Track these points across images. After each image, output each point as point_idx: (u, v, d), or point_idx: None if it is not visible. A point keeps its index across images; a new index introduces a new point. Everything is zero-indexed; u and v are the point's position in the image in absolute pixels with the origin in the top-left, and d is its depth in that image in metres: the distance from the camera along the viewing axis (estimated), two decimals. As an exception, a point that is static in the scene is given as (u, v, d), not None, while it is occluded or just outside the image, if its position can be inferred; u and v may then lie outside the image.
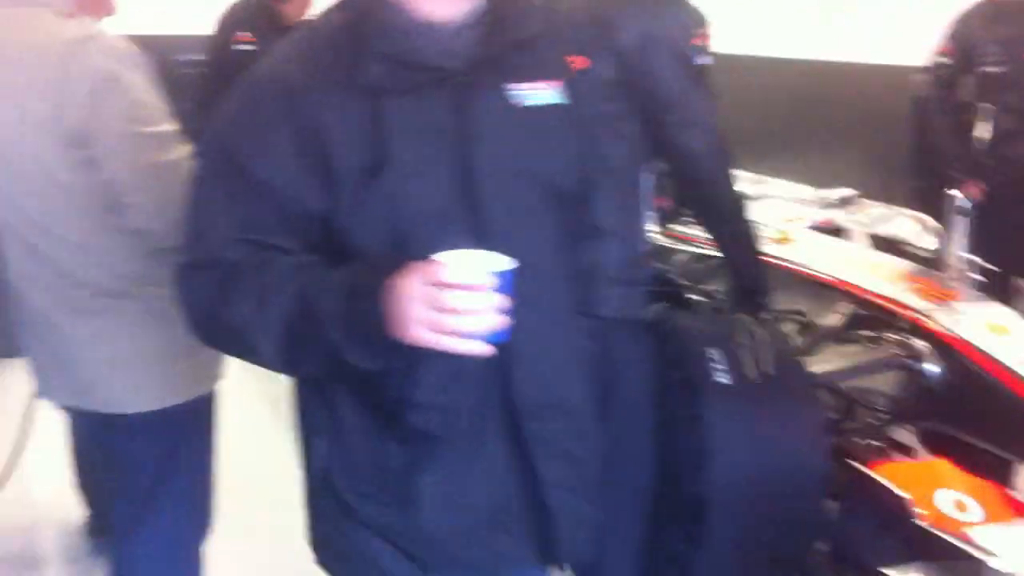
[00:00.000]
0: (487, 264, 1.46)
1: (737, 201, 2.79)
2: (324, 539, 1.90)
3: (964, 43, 5.00)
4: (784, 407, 2.81)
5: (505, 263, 1.46)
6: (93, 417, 2.51)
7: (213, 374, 2.58)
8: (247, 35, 5.45)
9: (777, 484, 2.83)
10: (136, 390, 2.45)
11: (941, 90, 5.14)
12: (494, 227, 1.67)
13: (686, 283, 3.12)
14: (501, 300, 1.45)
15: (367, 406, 1.74)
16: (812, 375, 3.08)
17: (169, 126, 2.35)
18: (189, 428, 2.55)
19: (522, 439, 1.76)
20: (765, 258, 3.62)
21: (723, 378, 2.75)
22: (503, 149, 1.71)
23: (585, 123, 1.88)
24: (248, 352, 1.67)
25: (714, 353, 2.78)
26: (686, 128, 2.65)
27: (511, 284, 1.47)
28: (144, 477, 2.53)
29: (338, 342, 1.55)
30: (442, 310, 1.43)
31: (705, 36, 2.74)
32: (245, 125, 1.70)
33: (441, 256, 1.46)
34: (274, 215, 1.65)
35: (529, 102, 1.75)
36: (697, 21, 2.77)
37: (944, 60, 5.07)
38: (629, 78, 2.60)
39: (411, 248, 1.56)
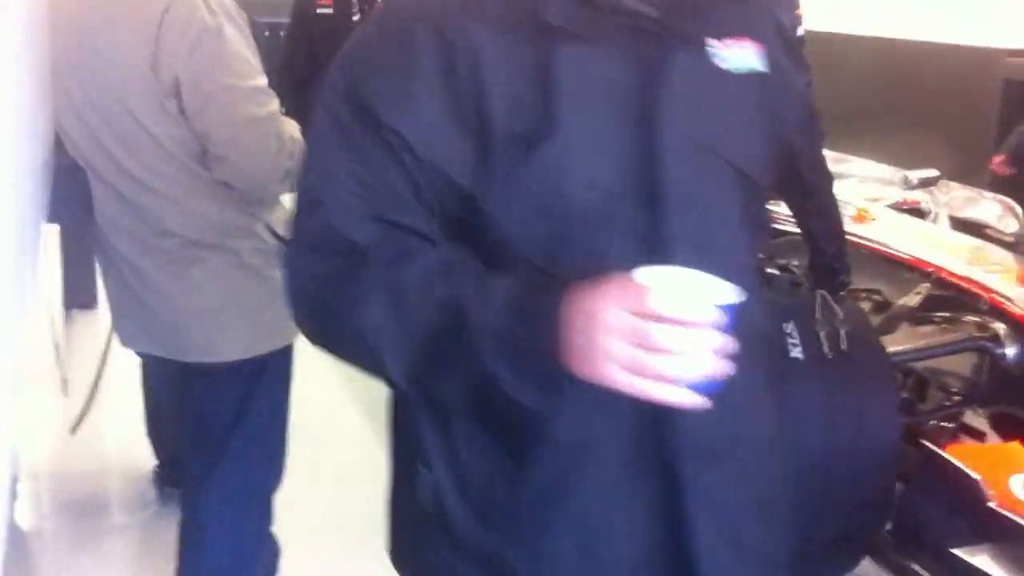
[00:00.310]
0: (707, 292, 1.15)
1: (825, 176, 2.76)
2: (424, 566, 1.57)
3: None
4: (858, 385, 2.79)
5: (730, 292, 1.16)
6: (174, 365, 2.57)
7: (293, 328, 2.61)
8: None
9: (849, 462, 2.82)
10: (222, 340, 2.49)
11: None
12: (675, 221, 1.35)
13: (762, 256, 3.10)
14: (723, 340, 1.15)
15: (493, 438, 1.42)
16: (888, 354, 3.05)
17: (262, 80, 2.38)
18: (267, 378, 2.59)
19: (677, 486, 1.41)
20: (847, 236, 3.60)
21: (798, 353, 2.74)
22: (693, 121, 1.38)
23: (779, 100, 1.62)
24: (368, 362, 1.37)
25: (790, 327, 2.77)
26: (778, 97, 2.63)
27: (734, 320, 1.16)
28: (221, 425, 2.58)
29: (495, 369, 1.23)
30: (649, 348, 1.12)
31: (799, 7, 2.71)
32: (384, 68, 1.34)
33: (644, 274, 1.14)
34: (413, 187, 1.32)
35: (727, 65, 1.42)
36: None
37: None
38: None
39: (570, 245, 1.31)
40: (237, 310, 2.48)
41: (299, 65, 5.62)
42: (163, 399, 2.70)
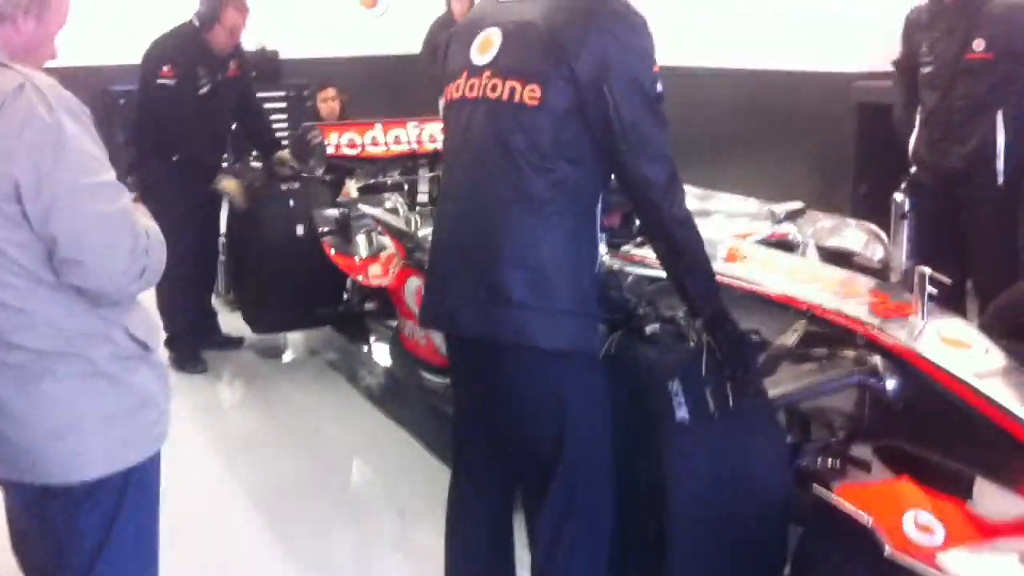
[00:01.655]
0: None
1: (687, 230, 2.73)
2: None
3: (908, 43, 5.06)
4: (744, 438, 2.79)
5: None
6: (30, 488, 2.39)
7: (158, 434, 2.47)
8: (168, 69, 5.46)
9: (739, 514, 2.81)
10: (78, 457, 2.31)
11: (897, 89, 5.20)
12: None
13: (644, 310, 3.07)
14: None
15: None
16: (772, 399, 3.06)
17: (110, 175, 2.26)
18: (132, 493, 2.44)
19: None
20: (719, 281, 3.60)
21: (683, 413, 2.73)
22: None
23: None
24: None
25: (675, 386, 2.75)
26: (638, 156, 2.61)
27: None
28: (85, 550, 2.39)
29: None
30: None
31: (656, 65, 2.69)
32: None
33: None
34: None
35: None
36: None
37: (899, 58, 5.14)
38: (586, 102, 2.58)
39: None
40: (93, 423, 2.32)
41: (143, 137, 5.55)
42: (23, 525, 2.51)
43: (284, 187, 5.96)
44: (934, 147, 5.03)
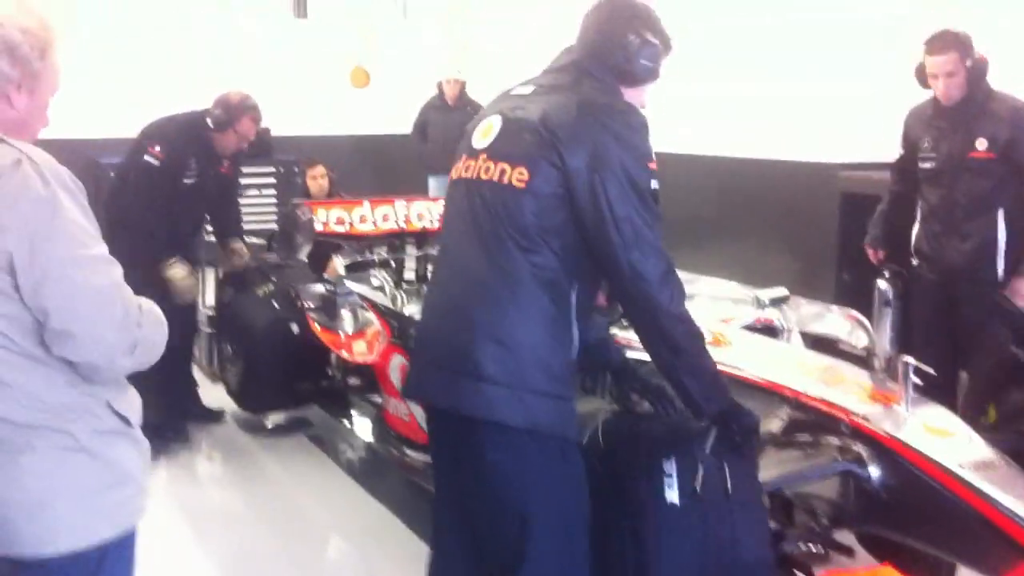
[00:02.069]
0: None
1: (685, 327, 2.74)
2: None
3: (907, 140, 5.14)
4: (733, 523, 2.78)
5: None
6: (3, 561, 2.32)
7: (134, 510, 2.43)
8: (159, 150, 5.47)
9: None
10: (52, 531, 2.27)
11: (895, 183, 5.26)
12: None
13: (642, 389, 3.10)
14: None
15: None
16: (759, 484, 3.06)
17: (103, 249, 2.26)
18: (107, 570, 2.38)
19: None
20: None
21: (673, 496, 2.72)
22: None
23: None
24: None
25: (670, 466, 2.75)
26: (631, 250, 2.63)
27: None
28: None
29: None
30: None
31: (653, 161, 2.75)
32: None
33: None
34: None
35: None
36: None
37: (900, 152, 5.21)
38: (575, 189, 2.62)
39: None
40: (69, 497, 2.28)
41: (118, 205, 5.53)
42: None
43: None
44: (936, 241, 5.09)
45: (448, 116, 9.94)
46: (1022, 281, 4.87)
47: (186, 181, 5.65)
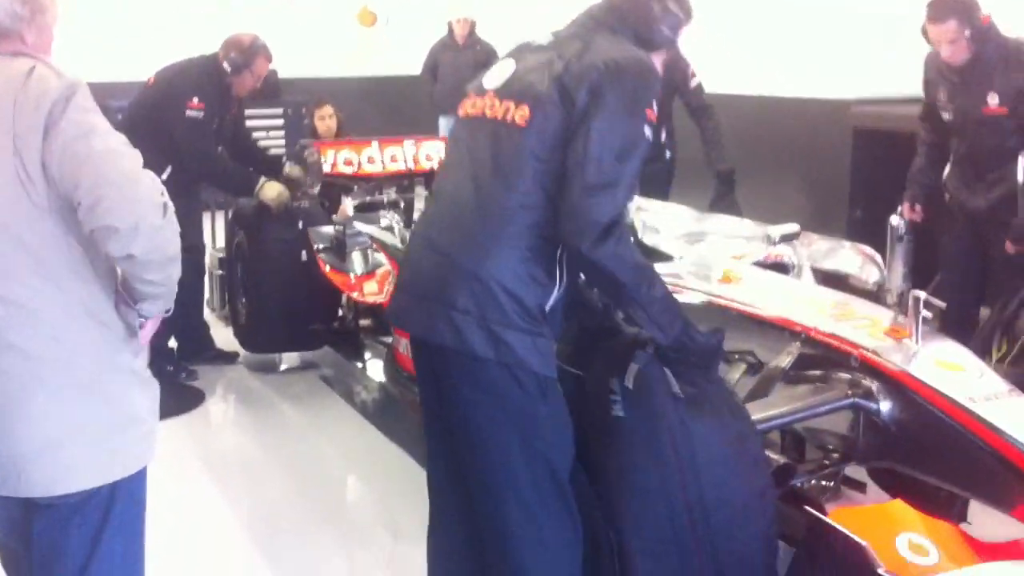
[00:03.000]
0: None
1: (617, 261, 2.62)
2: None
3: (928, 86, 5.07)
4: (688, 434, 2.70)
5: None
6: (14, 502, 2.38)
7: (144, 451, 2.46)
8: (198, 102, 5.50)
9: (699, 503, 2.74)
10: (65, 470, 2.31)
11: (927, 133, 5.19)
12: None
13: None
14: None
15: None
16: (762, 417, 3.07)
17: (121, 137, 2.34)
18: (120, 508, 2.42)
19: None
20: (715, 303, 3.62)
21: (619, 410, 2.73)
22: None
23: None
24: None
25: (615, 384, 2.74)
26: (587, 190, 2.59)
27: None
28: (72, 565, 2.39)
29: None
30: None
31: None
32: None
33: None
34: None
35: None
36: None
37: (925, 98, 5.14)
38: (570, 130, 2.61)
39: None
40: (82, 437, 2.31)
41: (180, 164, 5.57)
42: (8, 542, 2.48)
43: (296, 204, 5.96)
44: (964, 185, 5.06)
45: (458, 56, 9.87)
46: None
47: (213, 127, 5.69)
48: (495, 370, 2.61)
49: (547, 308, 2.67)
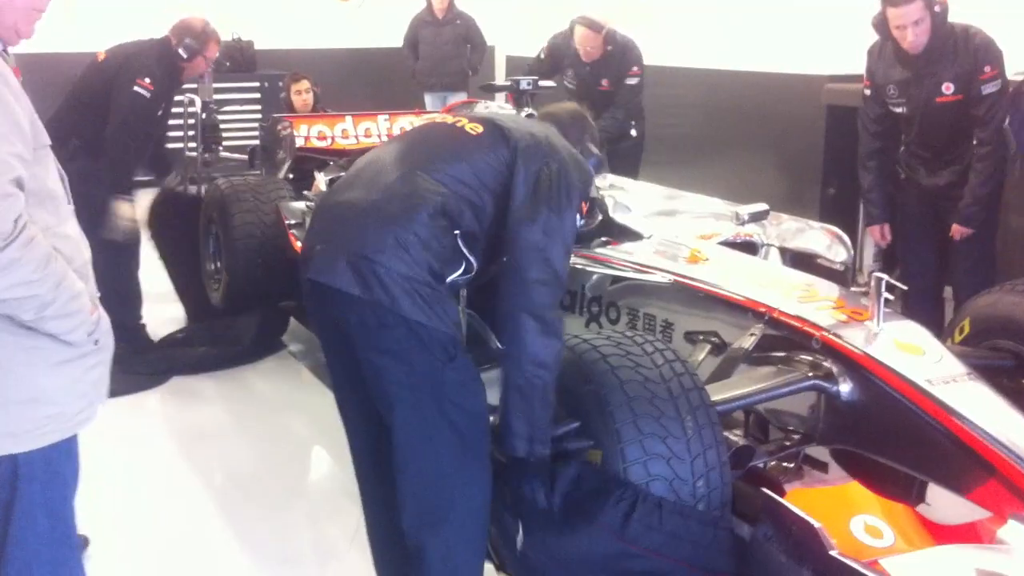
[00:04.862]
0: None
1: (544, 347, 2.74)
2: None
3: (874, 80, 5.06)
4: None
5: None
6: None
7: (51, 431, 2.39)
8: (149, 82, 5.47)
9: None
10: None
11: (867, 121, 5.18)
12: None
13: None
14: None
15: None
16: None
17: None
18: (33, 488, 2.38)
19: None
20: (681, 282, 3.62)
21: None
22: None
23: None
24: None
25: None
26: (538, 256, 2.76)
27: None
28: None
29: None
30: None
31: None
32: None
33: None
34: None
35: None
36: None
37: (867, 92, 5.12)
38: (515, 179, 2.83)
39: None
40: None
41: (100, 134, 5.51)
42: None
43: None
44: (919, 164, 5.08)
45: (438, 30, 9.80)
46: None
47: (159, 113, 5.67)
48: (399, 328, 2.66)
49: (447, 280, 2.77)
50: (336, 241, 2.76)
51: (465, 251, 2.80)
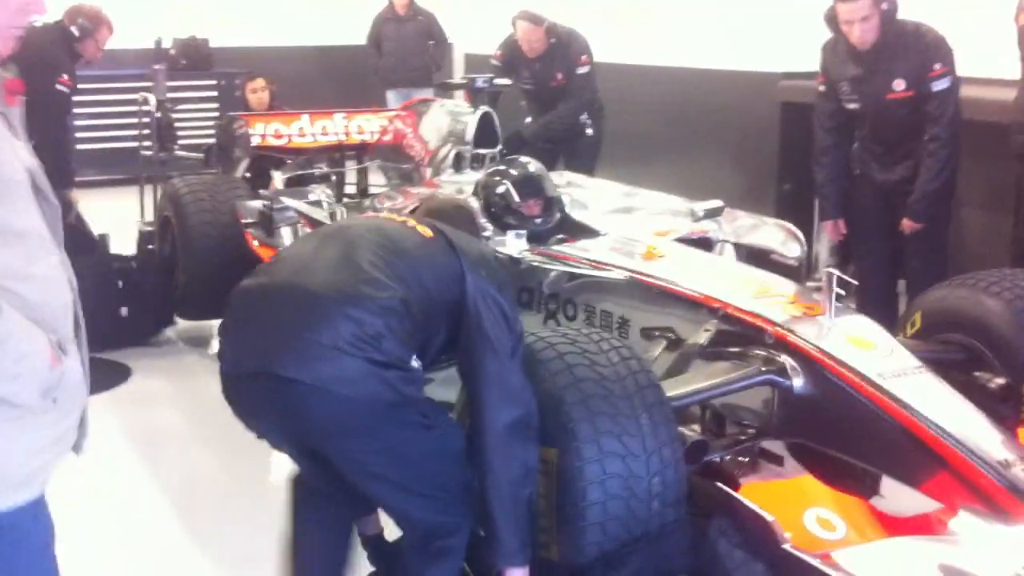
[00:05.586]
0: None
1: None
2: None
3: (828, 76, 5.10)
4: None
5: None
6: None
7: (16, 490, 2.12)
8: (68, 79, 5.68)
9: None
10: None
11: (821, 117, 5.22)
12: None
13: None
14: None
15: None
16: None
17: None
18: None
19: None
20: (636, 279, 3.65)
21: None
22: None
23: None
24: None
25: None
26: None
27: None
28: None
29: None
30: None
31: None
32: None
33: None
34: None
35: None
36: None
37: (821, 88, 5.16)
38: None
39: None
40: None
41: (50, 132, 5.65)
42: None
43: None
44: (872, 159, 5.13)
45: (401, 27, 9.78)
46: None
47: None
48: (363, 409, 2.59)
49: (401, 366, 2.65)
50: (276, 326, 2.65)
51: (414, 345, 2.70)
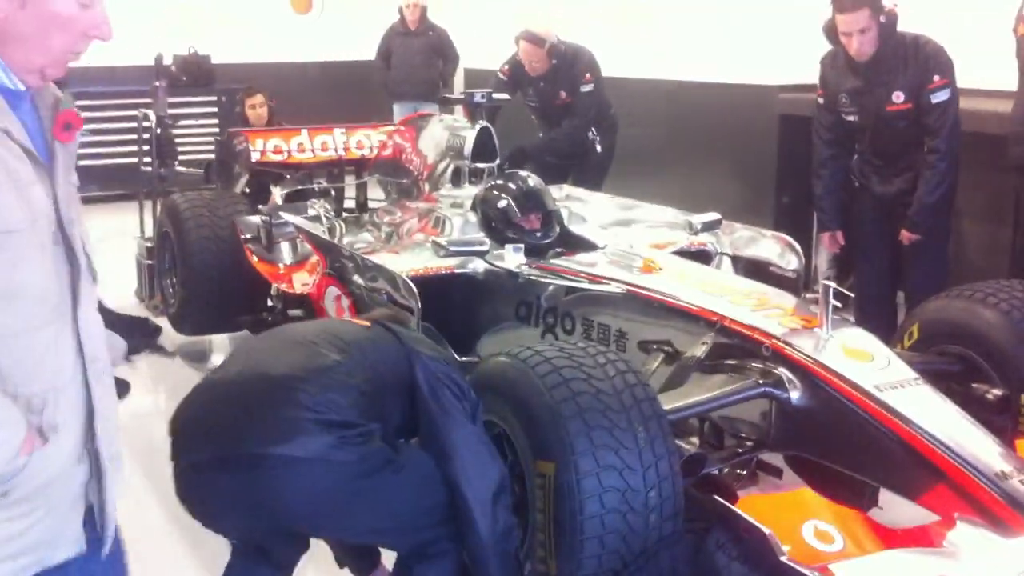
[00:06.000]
0: None
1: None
2: None
3: (827, 88, 5.10)
4: None
5: None
6: None
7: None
8: None
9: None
10: None
11: (820, 129, 5.21)
12: None
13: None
14: None
15: None
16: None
17: None
18: None
19: None
20: (633, 292, 3.65)
21: None
22: None
23: None
24: None
25: None
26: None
27: None
28: None
29: None
30: None
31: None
32: None
33: None
34: None
35: None
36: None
37: (820, 101, 5.16)
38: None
39: None
40: None
41: None
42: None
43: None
44: (872, 171, 5.13)
45: (410, 41, 9.78)
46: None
47: None
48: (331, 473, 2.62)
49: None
50: (235, 410, 2.70)
51: (373, 418, 2.74)
